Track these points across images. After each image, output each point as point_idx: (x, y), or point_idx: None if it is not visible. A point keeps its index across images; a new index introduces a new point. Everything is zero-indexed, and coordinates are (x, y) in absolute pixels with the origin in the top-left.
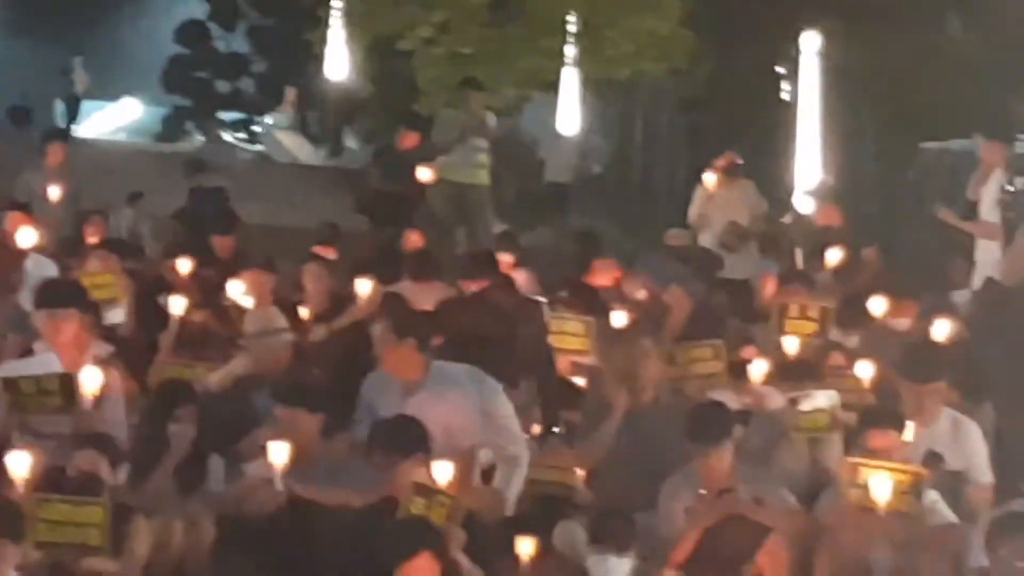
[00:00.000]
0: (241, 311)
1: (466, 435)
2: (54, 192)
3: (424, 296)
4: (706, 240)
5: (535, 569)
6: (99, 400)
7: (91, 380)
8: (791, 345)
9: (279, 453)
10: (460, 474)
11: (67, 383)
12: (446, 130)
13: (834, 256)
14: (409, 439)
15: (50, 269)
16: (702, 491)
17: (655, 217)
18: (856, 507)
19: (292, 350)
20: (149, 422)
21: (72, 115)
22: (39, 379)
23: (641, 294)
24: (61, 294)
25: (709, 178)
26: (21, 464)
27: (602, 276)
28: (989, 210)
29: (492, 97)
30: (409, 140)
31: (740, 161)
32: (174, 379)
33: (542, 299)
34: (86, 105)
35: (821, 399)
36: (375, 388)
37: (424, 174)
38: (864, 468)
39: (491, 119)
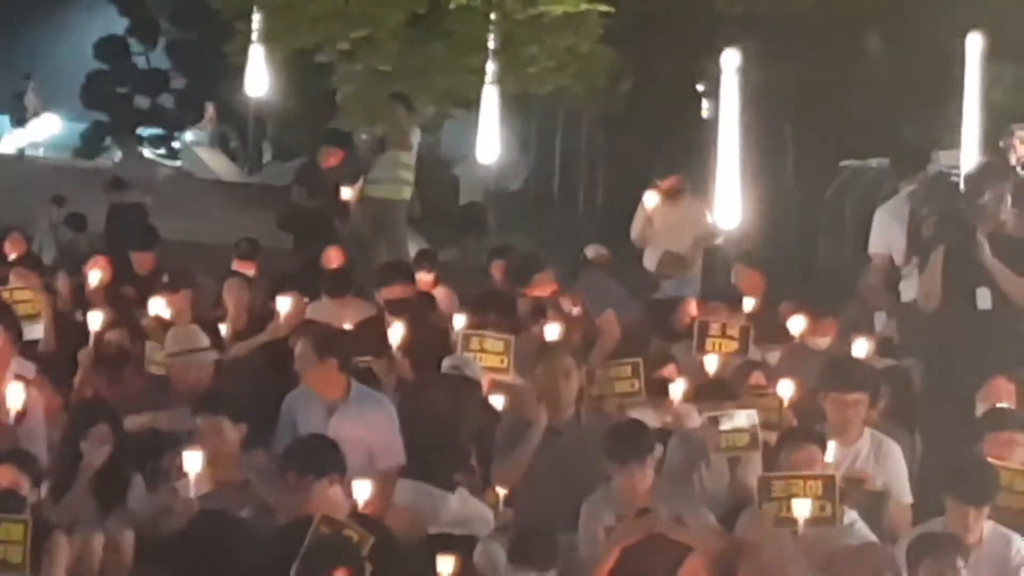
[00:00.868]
0: (163, 325)
1: (386, 454)
2: None
3: (343, 313)
4: (649, 259)
5: None
6: (20, 417)
7: (13, 397)
8: (711, 364)
9: (193, 462)
10: (380, 493)
11: None
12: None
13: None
14: (323, 460)
15: None
16: (621, 511)
17: (574, 233)
18: (775, 524)
19: (213, 369)
20: (66, 440)
21: None
22: None
23: (575, 311)
24: None
25: (650, 198)
26: None
27: (541, 288)
28: None
29: (412, 114)
30: (332, 158)
31: (682, 184)
32: (90, 398)
33: (460, 317)
34: (3, 121)
35: (741, 418)
36: (297, 405)
37: (346, 193)
38: (779, 482)
39: (415, 135)
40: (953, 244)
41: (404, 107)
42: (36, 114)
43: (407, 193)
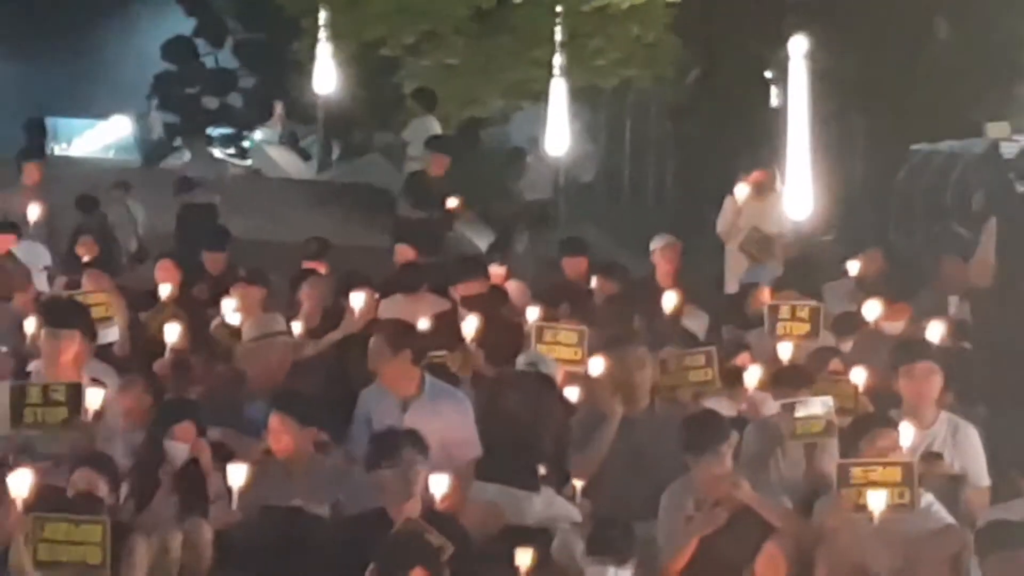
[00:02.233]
0: (232, 333)
1: (462, 447)
2: (33, 212)
3: (416, 308)
4: (731, 253)
5: None
6: (98, 418)
7: (93, 398)
8: (785, 351)
9: (237, 475)
10: (457, 487)
11: (74, 393)
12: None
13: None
14: (400, 452)
15: (41, 253)
16: (701, 499)
17: (644, 225)
18: (853, 511)
19: (289, 360)
20: (149, 441)
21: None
22: (47, 387)
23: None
24: (64, 314)
25: (740, 191)
26: (21, 483)
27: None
28: None
29: (479, 108)
30: (438, 166)
31: (771, 178)
32: (170, 400)
33: (534, 309)
34: (76, 124)
35: (816, 405)
36: (371, 402)
37: (452, 202)
38: (857, 468)
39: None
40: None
41: (424, 105)
42: (158, 134)
43: None
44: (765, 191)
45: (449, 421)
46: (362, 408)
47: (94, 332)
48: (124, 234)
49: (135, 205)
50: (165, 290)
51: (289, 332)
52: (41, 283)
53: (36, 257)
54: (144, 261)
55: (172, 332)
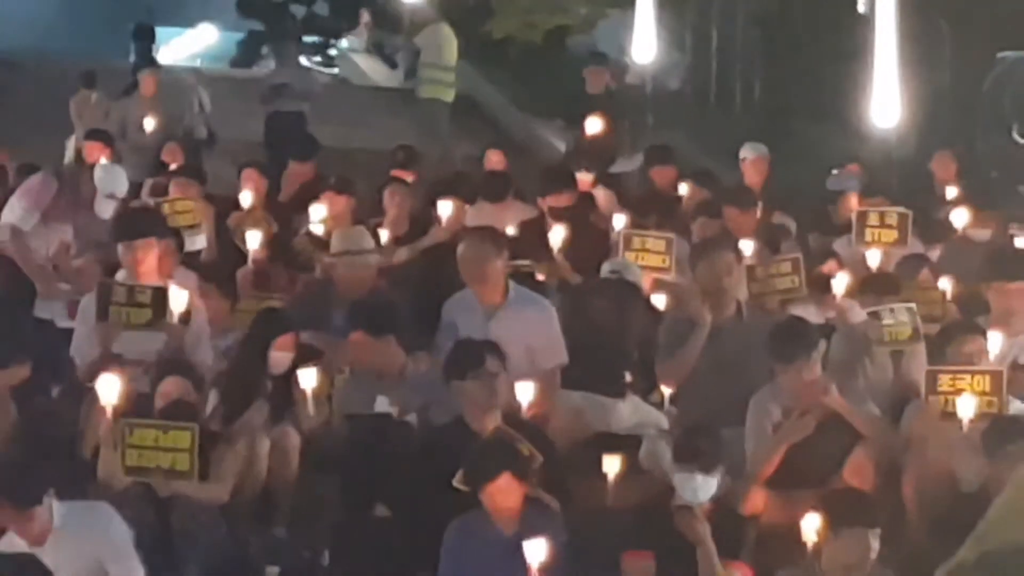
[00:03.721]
0: (316, 243)
1: (548, 354)
2: (149, 123)
3: (503, 216)
4: None
5: (622, 487)
6: (185, 321)
7: (178, 300)
8: (873, 258)
9: (308, 379)
10: (543, 394)
11: (159, 297)
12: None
13: None
14: (480, 361)
15: (120, 177)
16: (789, 407)
17: (732, 132)
18: (941, 418)
19: (374, 276)
20: (246, 351)
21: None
22: (132, 288)
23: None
24: (137, 224)
25: None
26: (111, 389)
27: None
28: None
29: (565, 16)
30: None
31: None
32: (270, 308)
33: (621, 217)
34: (163, 32)
35: (902, 312)
36: (456, 311)
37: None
38: (945, 375)
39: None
40: None
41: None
42: (374, 41)
43: (450, 95)
44: None
45: (534, 328)
46: (447, 317)
47: (173, 235)
48: (194, 123)
49: (203, 92)
50: (247, 199)
51: (376, 248)
52: (106, 210)
53: (111, 182)
54: (214, 147)
55: (254, 239)
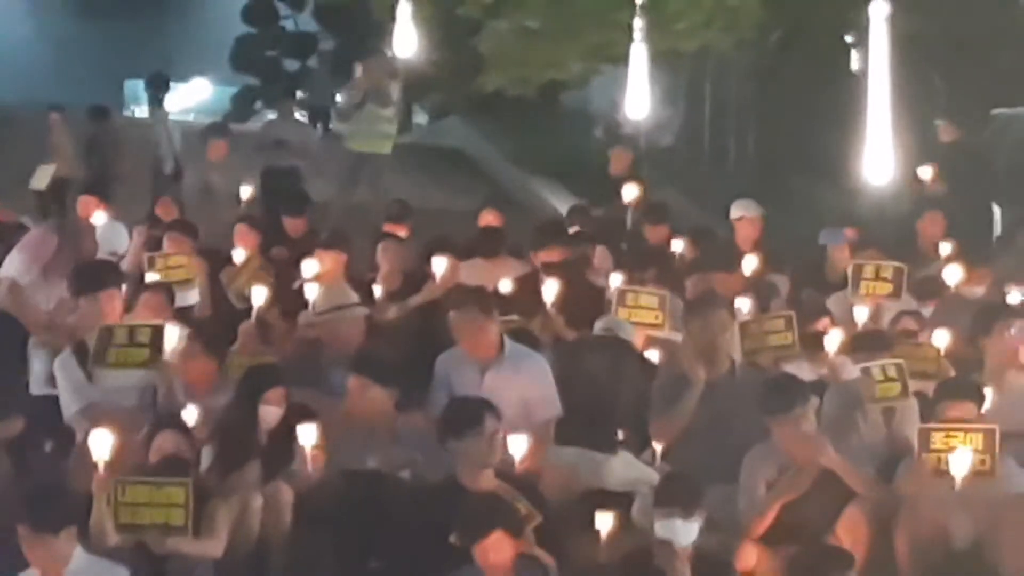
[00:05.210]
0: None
1: (542, 407)
2: (220, 184)
3: (496, 272)
4: None
5: (614, 544)
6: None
7: (171, 338)
8: (861, 314)
9: (308, 435)
10: (535, 446)
11: (157, 335)
12: (350, 96)
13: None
14: (489, 420)
15: (121, 235)
16: (783, 464)
17: (726, 188)
18: (934, 476)
19: (366, 326)
20: (237, 406)
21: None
22: (132, 328)
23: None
24: (98, 275)
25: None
26: (102, 445)
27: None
28: None
29: (559, 71)
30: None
31: None
32: (260, 364)
33: (617, 276)
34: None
35: (891, 368)
36: (450, 367)
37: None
38: (939, 433)
39: (394, 88)
40: None
41: (378, 61)
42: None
43: (388, 147)
44: None
45: (529, 380)
46: (441, 371)
47: (169, 293)
48: (161, 153)
49: (172, 125)
50: (240, 255)
51: (363, 303)
52: None
53: (112, 240)
54: (179, 180)
55: (259, 295)
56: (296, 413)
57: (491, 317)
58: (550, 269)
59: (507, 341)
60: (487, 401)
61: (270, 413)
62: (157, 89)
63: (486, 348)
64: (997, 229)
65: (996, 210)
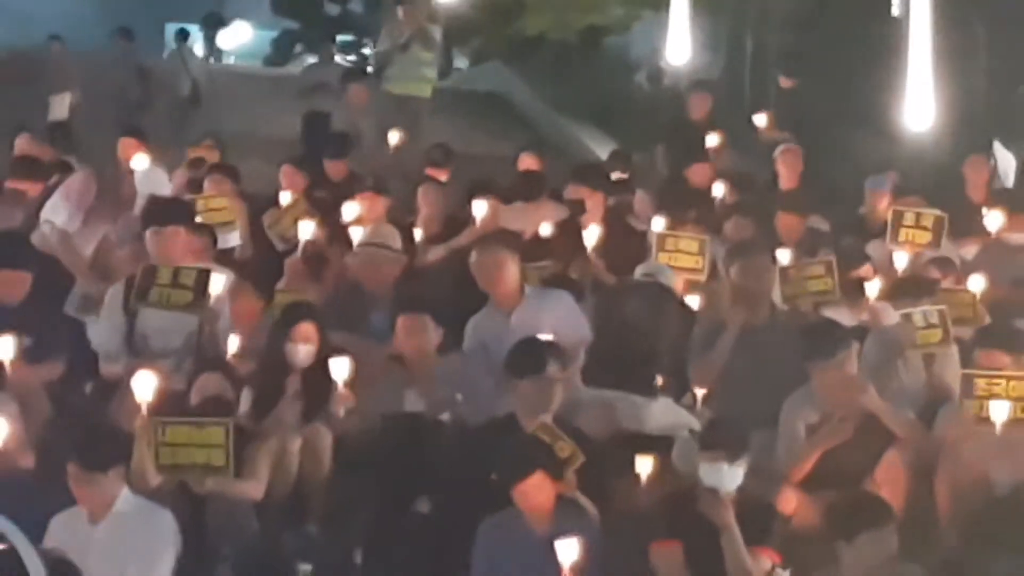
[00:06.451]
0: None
1: (572, 332)
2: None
3: (537, 216)
4: None
5: (653, 488)
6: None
7: (217, 285)
8: (900, 260)
9: (340, 369)
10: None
11: (202, 279)
12: (392, 39)
13: None
14: (552, 365)
15: (161, 180)
16: (823, 409)
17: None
18: (975, 422)
19: (406, 268)
20: (271, 346)
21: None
22: (177, 269)
23: None
24: (165, 212)
25: None
26: (146, 386)
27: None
28: None
29: (600, 16)
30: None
31: None
32: (293, 302)
33: (659, 219)
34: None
35: (933, 314)
36: (478, 322)
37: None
38: (981, 379)
39: (436, 32)
40: None
41: (419, 4)
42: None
43: (428, 91)
44: None
45: (554, 311)
46: (469, 332)
47: (207, 232)
48: (179, 80)
49: (189, 53)
50: (286, 197)
51: (404, 248)
52: None
53: (152, 185)
54: (197, 103)
55: (306, 229)
56: (329, 350)
57: (513, 257)
58: (582, 208)
59: (528, 287)
60: (555, 345)
61: (298, 351)
62: (211, 28)
63: (509, 292)
64: None
65: None
